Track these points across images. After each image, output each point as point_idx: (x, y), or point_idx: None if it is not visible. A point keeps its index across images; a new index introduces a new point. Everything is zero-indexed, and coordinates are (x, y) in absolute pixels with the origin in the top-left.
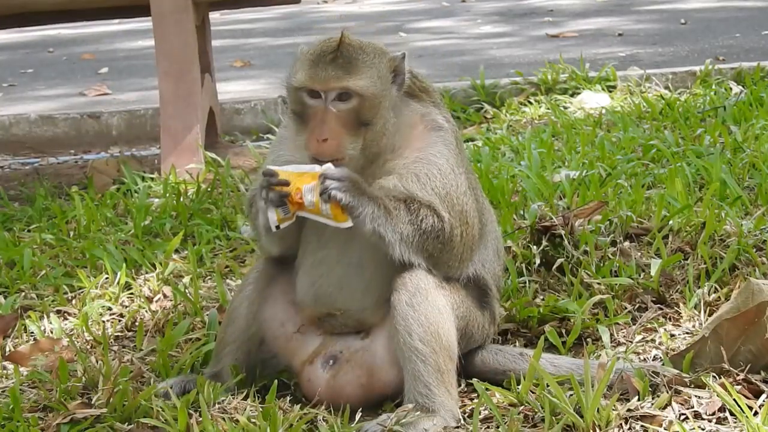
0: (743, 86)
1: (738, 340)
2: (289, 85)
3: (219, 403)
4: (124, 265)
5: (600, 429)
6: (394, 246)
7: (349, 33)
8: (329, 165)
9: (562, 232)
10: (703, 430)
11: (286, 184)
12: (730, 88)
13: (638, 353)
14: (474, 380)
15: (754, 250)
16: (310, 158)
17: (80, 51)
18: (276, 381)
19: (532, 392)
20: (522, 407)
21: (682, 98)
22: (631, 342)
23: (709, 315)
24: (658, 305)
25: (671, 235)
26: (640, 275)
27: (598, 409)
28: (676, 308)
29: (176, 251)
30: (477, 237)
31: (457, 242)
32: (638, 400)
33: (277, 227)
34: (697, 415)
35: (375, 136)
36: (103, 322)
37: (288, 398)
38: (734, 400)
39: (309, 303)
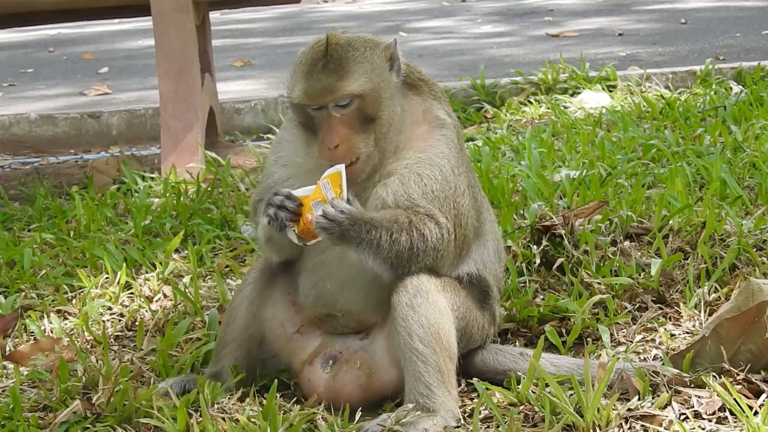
0: (743, 86)
1: (738, 339)
2: (290, 101)
3: (219, 403)
4: (124, 264)
5: (600, 429)
6: (382, 274)
7: (335, 33)
8: (339, 169)
9: (563, 232)
10: (703, 429)
11: (300, 206)
12: (731, 88)
13: (638, 353)
14: (474, 380)
15: (755, 249)
16: (326, 165)
17: (80, 51)
18: (276, 381)
19: (533, 392)
20: (522, 407)
21: (682, 98)
22: (631, 342)
23: (709, 315)
24: (658, 305)
25: (671, 234)
26: (640, 275)
27: (598, 408)
28: (676, 308)
29: (176, 251)
30: (470, 237)
31: (451, 248)
32: (638, 399)
33: (304, 244)
34: (697, 415)
35: (385, 127)
36: (103, 321)
37: (288, 398)
38: (734, 399)
39: (310, 304)
